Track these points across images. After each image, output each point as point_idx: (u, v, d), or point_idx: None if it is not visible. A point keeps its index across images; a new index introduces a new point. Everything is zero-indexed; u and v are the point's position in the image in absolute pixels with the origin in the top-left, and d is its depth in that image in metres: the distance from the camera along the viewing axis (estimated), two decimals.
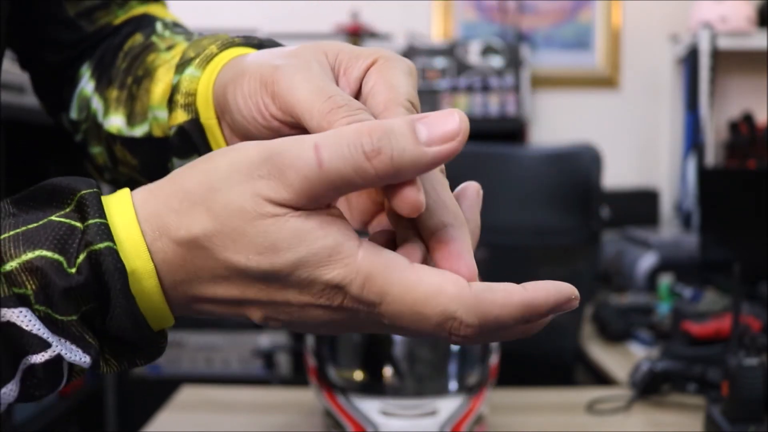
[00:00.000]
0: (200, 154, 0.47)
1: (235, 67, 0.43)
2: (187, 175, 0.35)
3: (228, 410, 1.21)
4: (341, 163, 0.32)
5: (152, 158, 0.52)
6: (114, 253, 0.33)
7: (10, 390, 0.33)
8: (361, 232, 0.38)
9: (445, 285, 0.33)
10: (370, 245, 0.33)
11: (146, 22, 0.59)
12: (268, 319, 0.35)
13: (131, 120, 0.52)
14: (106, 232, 0.33)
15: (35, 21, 0.58)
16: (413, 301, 0.32)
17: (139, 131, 0.52)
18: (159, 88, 0.50)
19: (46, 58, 0.59)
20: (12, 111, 1.71)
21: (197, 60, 0.47)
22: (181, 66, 0.48)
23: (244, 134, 0.43)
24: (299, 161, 0.32)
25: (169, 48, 0.53)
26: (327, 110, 0.36)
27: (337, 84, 0.40)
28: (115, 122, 0.53)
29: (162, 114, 0.49)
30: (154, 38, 0.55)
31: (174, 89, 0.47)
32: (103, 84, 0.56)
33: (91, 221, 0.33)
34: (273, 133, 0.40)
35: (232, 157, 0.34)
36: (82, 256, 0.32)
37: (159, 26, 0.57)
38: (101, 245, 0.33)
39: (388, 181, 0.32)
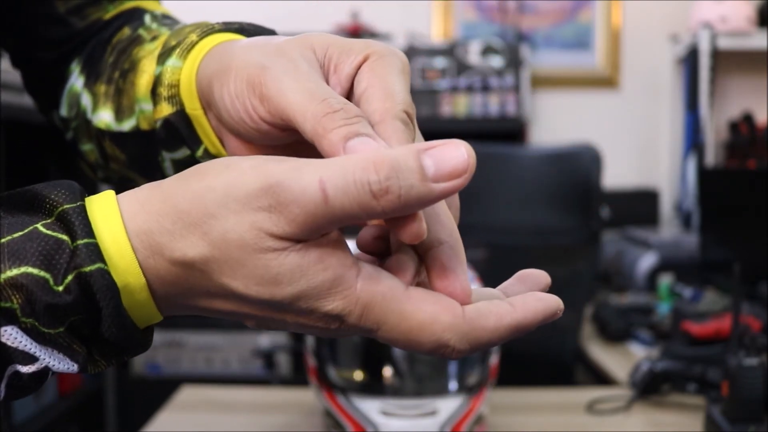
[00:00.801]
0: (188, 145, 0.46)
1: (218, 59, 0.42)
2: (180, 193, 0.33)
3: (228, 410, 1.21)
4: (346, 200, 0.31)
5: (140, 152, 0.51)
6: (105, 274, 0.32)
7: None
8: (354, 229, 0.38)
9: (439, 314, 0.33)
10: (367, 272, 0.33)
11: (136, 16, 0.58)
12: (262, 327, 0.36)
13: (119, 115, 0.51)
14: (95, 253, 0.32)
15: (26, 19, 0.57)
16: (409, 329, 0.33)
17: (127, 125, 0.51)
18: (143, 79, 0.49)
19: (38, 55, 0.58)
20: (12, 111, 1.72)
21: (178, 49, 0.46)
22: (163, 56, 0.47)
23: (233, 131, 0.42)
24: (303, 197, 0.31)
25: (154, 39, 0.52)
26: (322, 114, 0.35)
27: (327, 82, 0.39)
28: (104, 117, 0.52)
29: (147, 106, 0.48)
30: (141, 31, 0.54)
31: (156, 81, 0.46)
32: (91, 79, 0.55)
33: (80, 242, 0.32)
34: (262, 135, 0.40)
35: (227, 179, 0.32)
36: (70, 277, 0.32)
37: (147, 19, 0.56)
38: (92, 267, 0.32)
39: (393, 216, 0.32)
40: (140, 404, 2.30)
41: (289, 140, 0.40)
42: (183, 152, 0.47)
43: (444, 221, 0.35)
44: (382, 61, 0.38)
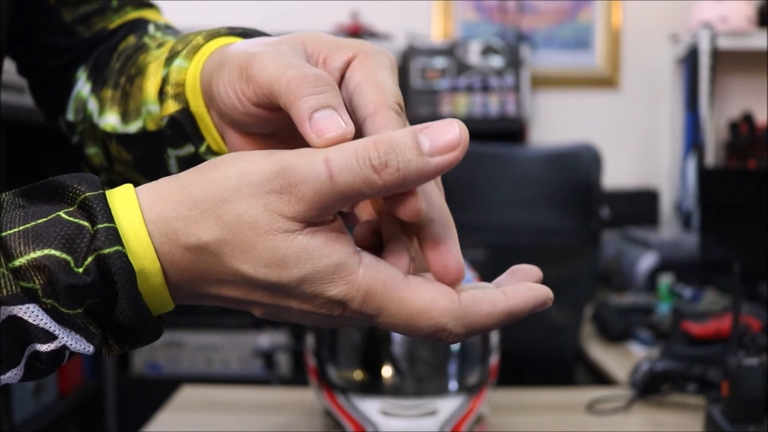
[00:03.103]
0: (193, 142, 0.48)
1: (218, 56, 0.44)
2: (196, 183, 0.35)
3: (228, 410, 1.21)
4: (350, 176, 0.33)
5: (146, 152, 0.53)
6: (123, 256, 0.34)
7: (15, 374, 0.35)
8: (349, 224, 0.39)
9: (437, 299, 0.35)
10: (369, 260, 0.35)
11: (140, 25, 0.60)
12: (269, 316, 0.37)
13: (125, 117, 0.53)
14: (115, 236, 0.34)
15: (33, 28, 0.59)
16: (408, 315, 0.35)
17: (133, 127, 0.53)
18: (151, 83, 0.51)
19: (44, 63, 0.60)
20: (12, 111, 1.72)
21: (184, 51, 0.48)
22: (170, 59, 0.49)
23: (230, 121, 0.44)
24: (311, 175, 0.33)
25: (160, 46, 0.55)
26: (294, 79, 0.37)
27: None
28: (110, 120, 0.55)
29: (155, 108, 0.50)
30: (146, 39, 0.57)
31: (164, 81, 0.49)
32: (98, 85, 0.57)
33: (99, 225, 0.34)
34: (253, 119, 0.42)
35: (242, 167, 0.35)
36: (90, 259, 0.34)
37: (151, 28, 0.59)
38: (110, 249, 0.34)
39: (394, 192, 0.34)
40: (140, 404, 2.29)
41: (280, 124, 0.41)
42: (188, 149, 0.49)
43: (434, 201, 0.37)
44: (371, 58, 0.40)
